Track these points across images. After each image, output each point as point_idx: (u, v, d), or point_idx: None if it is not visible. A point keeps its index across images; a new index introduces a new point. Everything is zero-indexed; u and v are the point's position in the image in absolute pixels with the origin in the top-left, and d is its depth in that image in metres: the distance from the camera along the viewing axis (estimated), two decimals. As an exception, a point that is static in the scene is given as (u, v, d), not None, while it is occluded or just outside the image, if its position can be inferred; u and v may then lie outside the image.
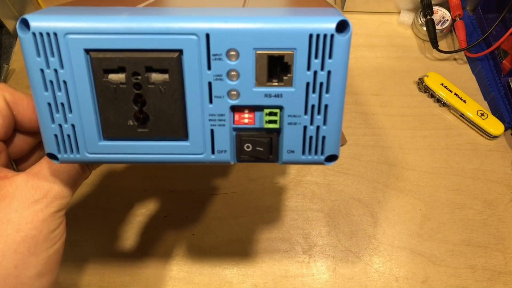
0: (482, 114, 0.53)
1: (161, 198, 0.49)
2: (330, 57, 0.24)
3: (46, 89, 0.25)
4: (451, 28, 0.58)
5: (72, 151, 0.26)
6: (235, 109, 0.25)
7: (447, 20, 0.57)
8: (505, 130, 0.52)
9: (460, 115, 0.54)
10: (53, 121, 0.26)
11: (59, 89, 0.25)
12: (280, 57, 0.24)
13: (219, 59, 0.24)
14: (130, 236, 0.47)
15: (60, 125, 0.26)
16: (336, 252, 0.47)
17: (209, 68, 0.24)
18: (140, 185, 0.50)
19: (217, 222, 0.48)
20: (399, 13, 0.60)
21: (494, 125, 0.52)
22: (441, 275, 0.46)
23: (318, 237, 0.47)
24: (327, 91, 0.24)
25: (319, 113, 0.25)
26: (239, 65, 0.24)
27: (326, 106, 0.25)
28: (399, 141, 0.53)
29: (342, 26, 0.23)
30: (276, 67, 0.25)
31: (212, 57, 0.24)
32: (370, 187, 0.50)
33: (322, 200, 0.49)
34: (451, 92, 0.54)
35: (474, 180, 0.51)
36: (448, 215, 0.49)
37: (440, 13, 0.58)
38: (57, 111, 0.25)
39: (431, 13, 0.56)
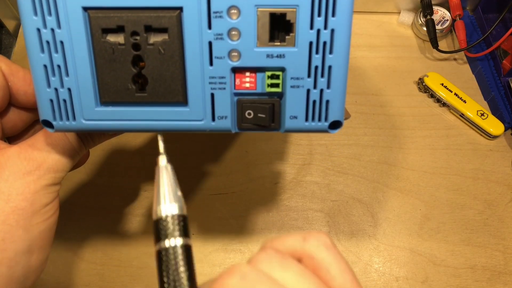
0: (482, 114, 0.52)
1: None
2: (333, 15, 0.23)
3: (43, 50, 0.24)
4: (451, 28, 0.58)
5: (68, 117, 0.26)
6: (236, 71, 0.25)
7: (447, 20, 0.57)
8: (505, 130, 0.52)
9: (460, 115, 0.53)
10: (49, 85, 0.25)
11: (56, 50, 0.24)
12: (282, 15, 0.23)
13: (220, 16, 0.23)
14: (130, 236, 0.46)
15: (56, 89, 0.25)
16: (336, 252, 0.46)
17: (209, 27, 0.24)
18: (140, 185, 0.49)
19: (217, 222, 0.47)
20: (399, 13, 0.60)
21: (494, 125, 0.52)
22: (441, 275, 0.45)
23: (317, 237, 0.47)
24: (330, 52, 0.24)
25: (322, 75, 0.24)
26: (240, 24, 0.24)
27: (330, 67, 0.24)
28: (399, 141, 0.53)
29: None
30: (278, 27, 0.24)
31: (212, 15, 0.23)
32: (370, 187, 0.50)
33: (322, 200, 0.49)
34: (451, 92, 0.54)
35: (474, 180, 0.50)
36: (448, 215, 0.48)
37: (440, 13, 0.58)
38: (53, 74, 0.25)
39: (431, 13, 0.56)
